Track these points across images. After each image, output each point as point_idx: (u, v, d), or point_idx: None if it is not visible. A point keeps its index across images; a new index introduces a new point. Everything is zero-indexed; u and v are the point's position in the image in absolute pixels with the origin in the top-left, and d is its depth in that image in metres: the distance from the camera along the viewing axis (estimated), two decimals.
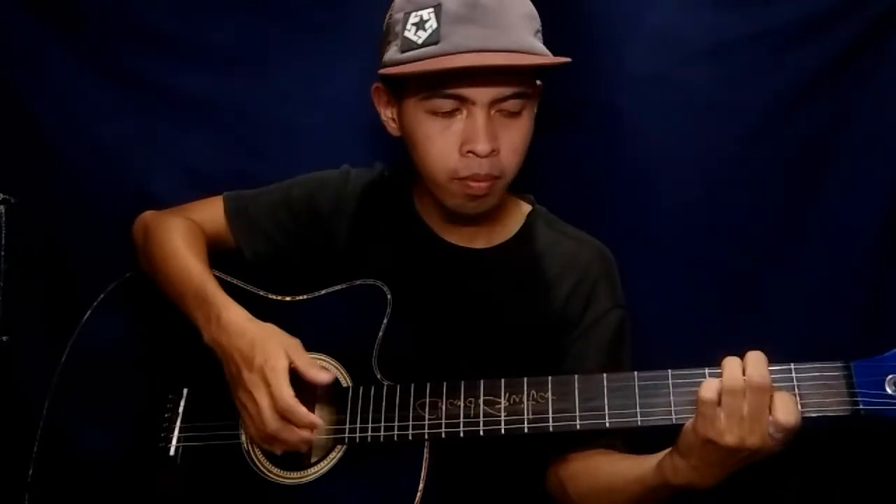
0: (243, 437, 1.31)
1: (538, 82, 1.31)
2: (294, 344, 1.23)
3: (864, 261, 1.70)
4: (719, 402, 1.02)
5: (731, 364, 1.04)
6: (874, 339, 1.65)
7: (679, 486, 1.10)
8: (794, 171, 1.71)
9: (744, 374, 1.02)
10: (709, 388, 1.03)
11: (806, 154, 1.71)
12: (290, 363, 1.19)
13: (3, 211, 1.44)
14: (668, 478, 1.10)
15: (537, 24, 1.26)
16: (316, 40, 1.81)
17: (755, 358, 1.03)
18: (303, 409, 1.17)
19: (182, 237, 1.41)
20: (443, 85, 1.21)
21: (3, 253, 1.43)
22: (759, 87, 1.70)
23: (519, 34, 1.21)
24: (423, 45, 1.20)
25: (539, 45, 1.24)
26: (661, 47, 1.70)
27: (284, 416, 1.18)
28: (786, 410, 1.01)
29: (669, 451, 1.10)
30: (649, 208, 1.75)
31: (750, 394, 1.01)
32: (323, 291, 1.36)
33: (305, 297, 1.37)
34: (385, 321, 1.28)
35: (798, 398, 1.04)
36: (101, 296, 1.47)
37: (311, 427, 1.19)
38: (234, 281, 1.41)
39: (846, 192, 1.69)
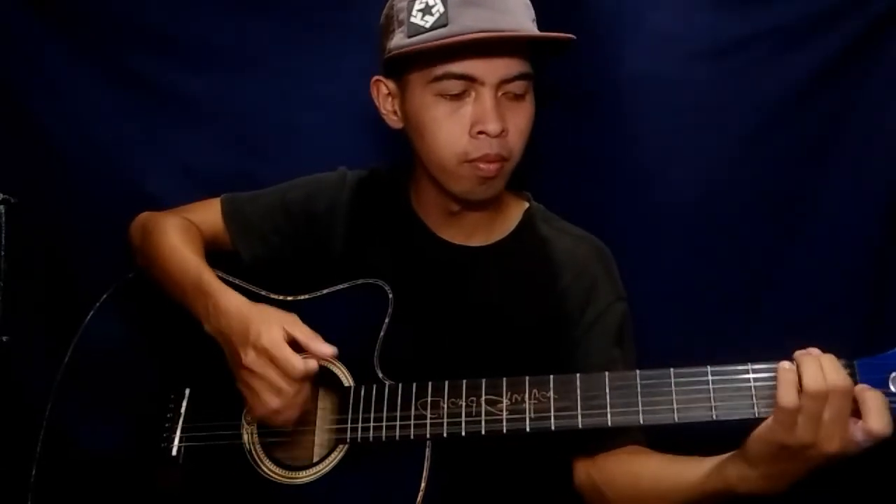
0: (245, 438, 1.31)
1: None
2: (290, 318, 1.20)
3: (866, 258, 1.69)
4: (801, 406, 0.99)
5: (810, 364, 1.00)
6: (876, 337, 1.65)
7: (745, 493, 1.07)
8: (795, 169, 1.71)
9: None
10: (789, 393, 0.99)
11: (806, 154, 1.71)
12: (289, 336, 1.17)
13: (3, 211, 1.44)
14: (734, 485, 1.07)
15: (533, 13, 1.29)
16: (316, 40, 1.81)
17: (831, 361, 1.01)
18: (322, 344, 1.17)
19: (178, 235, 1.41)
20: (452, 65, 1.23)
21: (3, 253, 1.43)
22: (759, 87, 1.70)
23: (522, 18, 1.25)
24: (432, 28, 1.22)
25: (538, 31, 1.27)
26: (661, 46, 1.70)
27: (301, 380, 1.16)
28: (880, 419, 0.98)
29: (733, 458, 1.08)
30: (649, 207, 1.75)
31: (833, 398, 0.98)
32: (324, 291, 1.36)
33: (307, 296, 1.37)
34: (387, 320, 1.28)
35: None
36: (104, 296, 1.47)
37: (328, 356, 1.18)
38: (236, 281, 1.41)
39: (847, 191, 1.69)
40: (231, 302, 1.24)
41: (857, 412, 1.00)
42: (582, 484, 1.33)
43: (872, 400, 0.99)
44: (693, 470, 1.15)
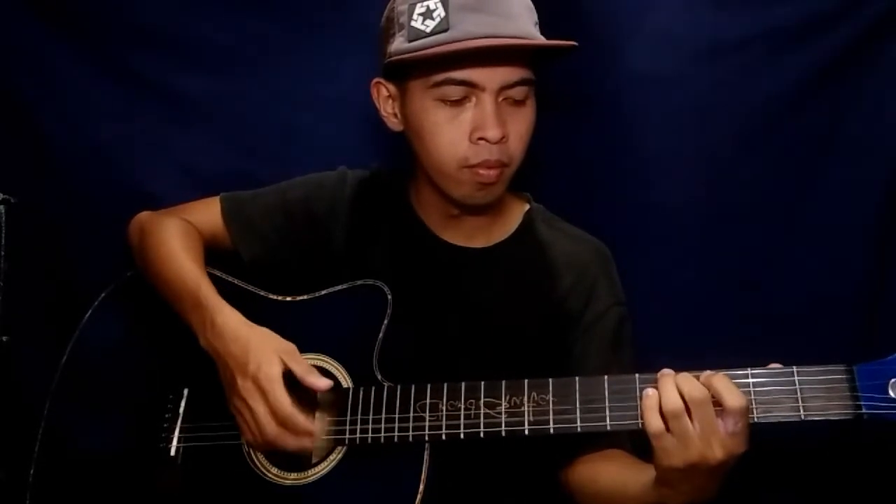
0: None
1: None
2: (289, 349, 1.22)
3: (865, 261, 1.69)
4: (668, 429, 1.02)
5: (666, 385, 1.03)
6: (876, 342, 1.65)
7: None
8: (794, 170, 1.71)
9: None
10: (653, 418, 1.02)
11: (805, 154, 1.71)
12: (286, 369, 1.19)
13: (3, 211, 1.44)
14: (666, 500, 1.10)
15: (536, 16, 1.29)
16: (316, 40, 1.81)
17: (685, 376, 1.03)
18: (301, 418, 1.18)
19: (178, 239, 1.40)
20: (453, 71, 1.23)
21: (3, 253, 1.43)
22: (759, 87, 1.70)
23: (524, 23, 1.24)
24: (433, 33, 1.21)
25: (540, 35, 1.27)
26: (661, 47, 1.70)
27: (283, 424, 1.18)
28: (731, 394, 1.00)
29: (656, 480, 1.09)
30: (649, 207, 1.75)
31: (695, 412, 1.01)
32: (323, 292, 1.36)
33: (306, 297, 1.37)
34: (385, 322, 1.28)
35: (801, 401, 1.03)
36: (102, 296, 1.47)
37: (309, 435, 1.19)
38: (235, 281, 1.41)
39: (846, 191, 1.69)
40: (229, 321, 1.25)
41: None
42: (565, 487, 1.34)
43: (717, 383, 1.01)
44: (637, 481, 1.15)
